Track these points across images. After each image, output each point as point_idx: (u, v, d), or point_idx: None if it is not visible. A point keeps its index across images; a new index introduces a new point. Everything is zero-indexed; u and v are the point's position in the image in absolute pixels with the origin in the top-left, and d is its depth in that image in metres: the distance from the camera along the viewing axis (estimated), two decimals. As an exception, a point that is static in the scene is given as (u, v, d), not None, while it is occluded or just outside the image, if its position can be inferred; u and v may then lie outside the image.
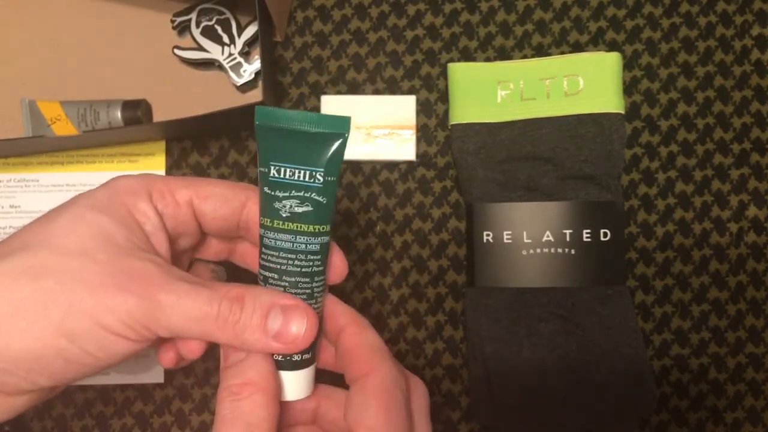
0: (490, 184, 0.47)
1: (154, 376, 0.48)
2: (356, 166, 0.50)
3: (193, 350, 0.31)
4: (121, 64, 0.51)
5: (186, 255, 0.34)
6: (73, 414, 0.47)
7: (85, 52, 0.51)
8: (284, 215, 0.29)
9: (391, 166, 0.50)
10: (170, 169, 0.50)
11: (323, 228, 0.29)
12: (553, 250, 0.46)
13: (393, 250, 0.49)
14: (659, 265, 0.48)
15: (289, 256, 0.29)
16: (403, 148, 0.48)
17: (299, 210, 0.29)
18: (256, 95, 0.50)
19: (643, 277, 0.48)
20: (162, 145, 0.50)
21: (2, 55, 0.51)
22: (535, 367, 0.45)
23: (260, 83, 0.49)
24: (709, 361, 0.48)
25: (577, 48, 0.50)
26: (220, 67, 0.49)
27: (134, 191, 0.30)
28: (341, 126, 0.29)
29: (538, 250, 0.46)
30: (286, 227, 0.29)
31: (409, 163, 0.49)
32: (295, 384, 0.30)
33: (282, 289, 0.29)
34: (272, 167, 0.29)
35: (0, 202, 0.49)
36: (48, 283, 0.26)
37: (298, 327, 0.28)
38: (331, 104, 0.49)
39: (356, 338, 0.31)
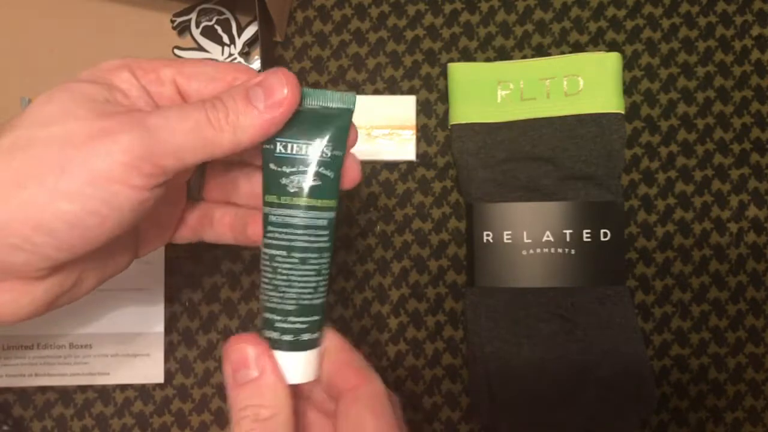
0: (490, 184, 0.47)
1: (154, 376, 0.48)
2: (356, 166, 0.50)
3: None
4: (121, 64, 0.51)
5: None
6: (72, 414, 0.47)
7: (85, 52, 0.51)
8: (292, 190, 0.29)
9: (391, 166, 0.50)
10: (170, 169, 0.50)
11: (331, 203, 0.29)
12: (553, 250, 0.46)
13: (393, 250, 0.49)
14: (659, 265, 0.48)
15: (297, 231, 0.29)
16: (403, 148, 0.48)
17: (306, 184, 0.29)
18: (256, 95, 0.50)
19: (643, 277, 0.48)
20: (162, 145, 0.50)
21: (2, 55, 0.51)
22: (535, 367, 0.45)
23: (260, 83, 0.49)
24: (709, 361, 0.48)
25: (577, 48, 0.50)
26: (220, 67, 0.49)
27: (115, 67, 0.30)
28: (347, 101, 0.30)
29: (538, 250, 0.46)
30: (293, 202, 0.29)
31: (409, 163, 0.49)
32: (304, 365, 0.30)
33: (290, 265, 0.29)
34: (278, 143, 0.29)
35: (0, 202, 0.49)
36: (36, 152, 0.26)
37: (280, 86, 0.28)
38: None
39: (346, 354, 0.31)
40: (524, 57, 0.50)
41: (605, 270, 0.46)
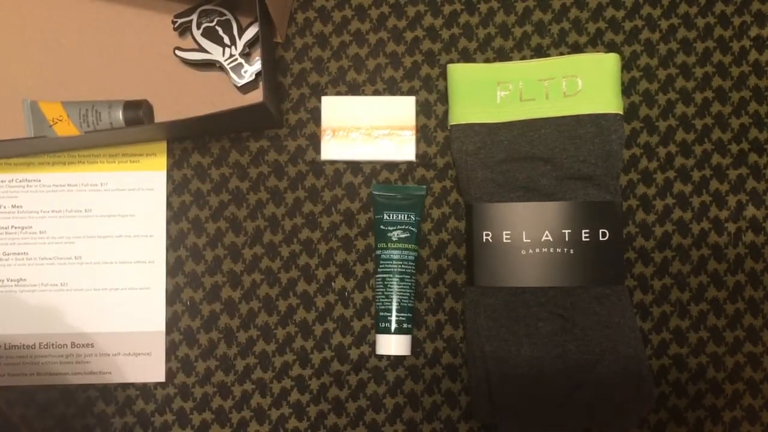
0: (489, 185, 0.47)
1: (156, 375, 0.48)
2: (356, 166, 0.50)
3: None
4: (122, 64, 0.51)
5: None
6: (74, 413, 0.48)
7: (87, 53, 0.51)
8: (394, 239, 0.47)
9: (391, 166, 0.50)
10: (172, 169, 0.50)
11: (415, 246, 0.48)
12: (552, 250, 0.46)
13: (393, 250, 0.49)
14: (658, 264, 0.49)
15: (396, 262, 0.47)
16: (402, 148, 0.49)
17: (403, 236, 0.48)
18: (256, 96, 0.50)
19: (641, 277, 0.48)
20: (163, 145, 0.50)
21: (4, 56, 0.51)
22: (534, 366, 0.45)
23: (261, 84, 0.49)
24: (707, 360, 0.48)
25: (576, 49, 0.50)
26: (221, 68, 0.50)
27: None
28: (421, 190, 0.49)
29: (537, 250, 0.46)
30: (395, 246, 0.47)
31: (408, 163, 0.50)
32: (404, 344, 0.47)
33: (393, 282, 0.47)
34: (385, 214, 0.48)
35: (2, 202, 0.49)
36: None
37: None
38: (332, 105, 0.49)
39: None
40: (523, 58, 0.50)
41: (604, 269, 0.46)
